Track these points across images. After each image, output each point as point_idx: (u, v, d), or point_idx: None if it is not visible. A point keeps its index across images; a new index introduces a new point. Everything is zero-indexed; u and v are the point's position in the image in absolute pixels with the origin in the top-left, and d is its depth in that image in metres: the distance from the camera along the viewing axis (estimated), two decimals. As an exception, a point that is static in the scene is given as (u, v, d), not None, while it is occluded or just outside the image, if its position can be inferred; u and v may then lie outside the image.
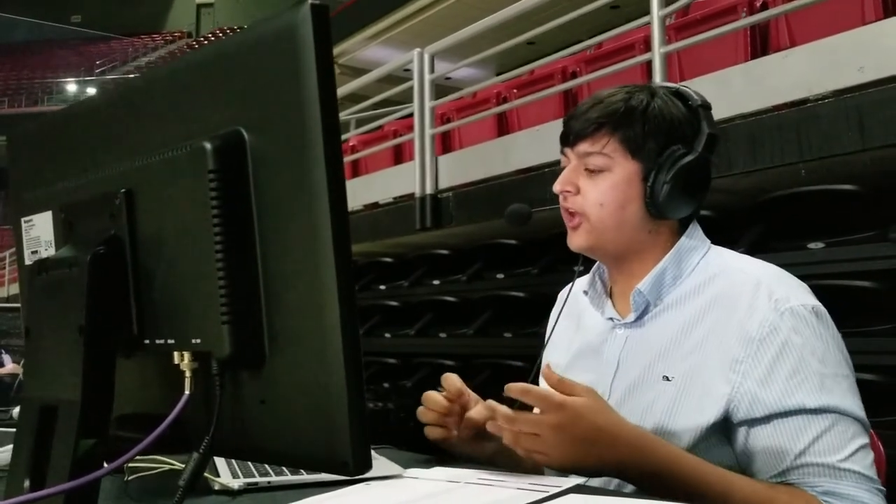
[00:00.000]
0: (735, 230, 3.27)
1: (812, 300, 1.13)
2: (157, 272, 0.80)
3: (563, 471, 1.08)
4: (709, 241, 1.25)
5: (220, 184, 0.72)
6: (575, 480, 1.19)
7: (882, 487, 1.06)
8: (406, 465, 1.26)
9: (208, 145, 0.73)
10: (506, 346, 4.46)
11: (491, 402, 1.10)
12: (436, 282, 5.11)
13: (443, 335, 4.98)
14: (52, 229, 0.92)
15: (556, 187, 1.24)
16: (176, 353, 0.77)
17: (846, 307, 2.94)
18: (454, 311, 5.06)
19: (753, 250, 3.09)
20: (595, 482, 1.22)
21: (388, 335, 5.36)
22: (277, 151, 0.72)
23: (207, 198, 0.72)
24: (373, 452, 1.40)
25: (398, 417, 4.40)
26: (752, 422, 1.08)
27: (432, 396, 1.24)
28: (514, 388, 1.04)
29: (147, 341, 0.81)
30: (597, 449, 1.02)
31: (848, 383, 1.08)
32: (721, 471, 1.05)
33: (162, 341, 0.79)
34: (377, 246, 5.31)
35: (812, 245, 2.92)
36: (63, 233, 0.90)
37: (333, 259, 0.66)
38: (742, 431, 1.09)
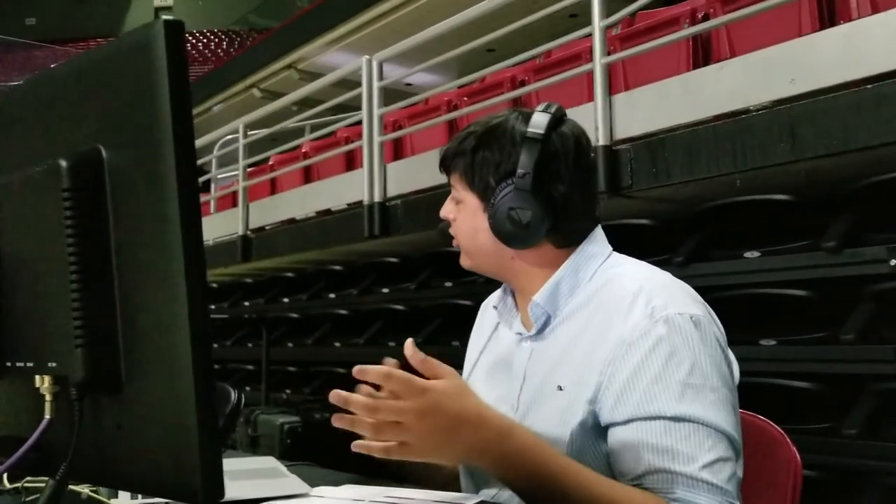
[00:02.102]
0: (675, 239, 3.30)
1: (693, 310, 1.11)
2: (18, 293, 0.77)
3: (427, 460, 1.04)
4: (610, 248, 1.24)
5: (76, 203, 0.71)
6: (481, 497, 1.18)
7: (736, 502, 1.05)
8: (326, 483, 1.25)
9: (64, 163, 0.71)
10: (454, 354, 4.43)
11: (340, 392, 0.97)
12: (385, 290, 5.08)
13: (392, 344, 4.95)
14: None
15: (440, 214, 1.27)
16: (37, 377, 0.75)
17: (780, 316, 3.00)
18: (403, 320, 5.03)
19: (691, 259, 3.11)
20: (503, 497, 1.22)
21: (337, 344, 5.32)
22: (133, 171, 0.70)
23: (62, 217, 0.71)
24: (284, 469, 1.40)
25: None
26: (615, 424, 1.09)
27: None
28: (371, 372, 0.94)
29: (9, 364, 0.78)
30: (460, 434, 0.98)
31: (715, 396, 1.07)
32: (581, 469, 1.04)
33: (22, 364, 0.76)
34: (326, 254, 5.26)
35: (748, 254, 2.94)
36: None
37: (185, 283, 0.65)
38: (609, 434, 1.10)
